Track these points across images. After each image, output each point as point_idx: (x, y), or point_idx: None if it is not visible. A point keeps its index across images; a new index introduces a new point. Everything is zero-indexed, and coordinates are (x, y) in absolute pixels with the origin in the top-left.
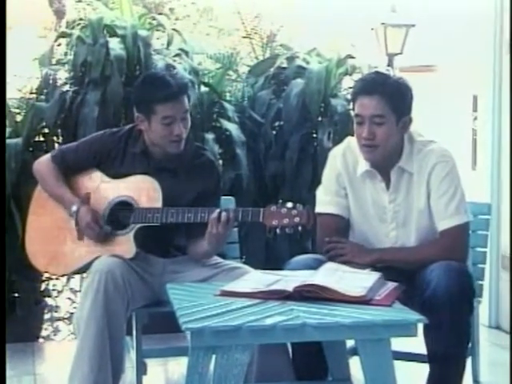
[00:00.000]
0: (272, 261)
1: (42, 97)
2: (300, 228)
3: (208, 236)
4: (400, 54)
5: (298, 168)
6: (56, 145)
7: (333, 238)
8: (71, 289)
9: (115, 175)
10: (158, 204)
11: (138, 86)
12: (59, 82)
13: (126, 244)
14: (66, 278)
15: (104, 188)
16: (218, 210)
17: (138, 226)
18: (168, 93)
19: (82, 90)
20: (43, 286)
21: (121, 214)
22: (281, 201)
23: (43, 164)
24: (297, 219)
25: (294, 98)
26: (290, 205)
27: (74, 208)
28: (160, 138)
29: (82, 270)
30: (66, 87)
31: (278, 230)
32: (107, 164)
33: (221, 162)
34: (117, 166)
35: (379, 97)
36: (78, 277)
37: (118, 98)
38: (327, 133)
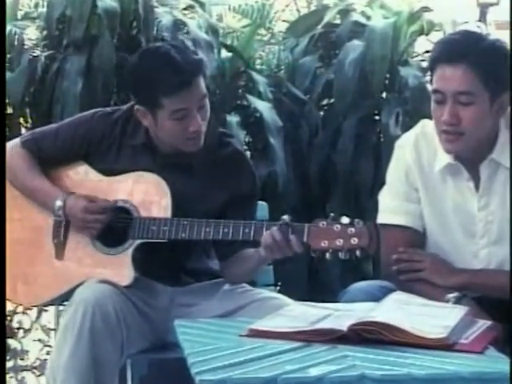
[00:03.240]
0: (318, 289)
1: (6, 60)
2: (358, 252)
3: (256, 259)
4: (496, 4)
5: (354, 163)
6: (23, 130)
7: (408, 249)
8: (43, 326)
9: (108, 171)
10: (167, 213)
11: (133, 66)
12: (27, 44)
13: (121, 266)
14: (36, 310)
15: (92, 188)
16: (276, 227)
17: (139, 242)
18: (177, 81)
19: (59, 54)
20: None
21: (115, 225)
22: (332, 214)
23: (9, 152)
24: (354, 240)
25: (349, 67)
26: (345, 220)
27: (59, 202)
28: (171, 137)
29: (60, 301)
30: (37, 51)
31: (327, 255)
32: (97, 156)
33: (249, 153)
34: (110, 159)
35: (467, 66)
36: (52, 309)
37: (109, 67)
38: (394, 114)
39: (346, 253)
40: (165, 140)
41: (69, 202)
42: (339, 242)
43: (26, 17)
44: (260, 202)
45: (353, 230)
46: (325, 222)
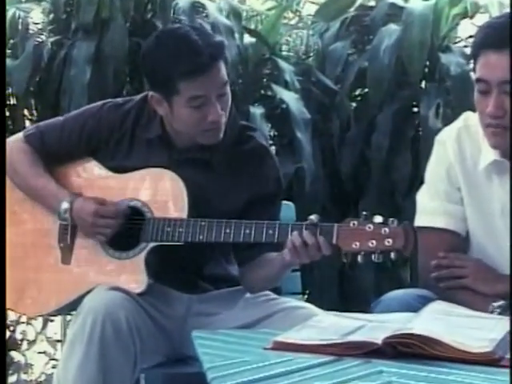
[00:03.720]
0: (349, 298)
1: (8, 51)
2: (393, 255)
3: (281, 264)
4: None
5: (389, 159)
6: (27, 122)
7: (449, 254)
8: (49, 338)
9: (119, 168)
10: (183, 213)
11: (149, 49)
12: (32, 29)
13: (133, 272)
14: (41, 320)
15: (102, 187)
16: (302, 228)
17: (152, 245)
18: (195, 64)
19: (66, 40)
20: (7, 333)
21: (127, 226)
22: (364, 212)
23: (11, 147)
24: (389, 241)
25: (384, 54)
26: (378, 219)
27: (65, 204)
28: (187, 127)
29: (67, 310)
30: (43, 37)
31: (359, 257)
32: (107, 152)
33: (273, 148)
34: (122, 155)
35: None
36: (59, 319)
37: (121, 53)
38: (434, 106)
39: (379, 255)
40: (181, 131)
41: (76, 204)
42: (372, 244)
43: None
44: (286, 203)
45: (387, 230)
46: (356, 222)
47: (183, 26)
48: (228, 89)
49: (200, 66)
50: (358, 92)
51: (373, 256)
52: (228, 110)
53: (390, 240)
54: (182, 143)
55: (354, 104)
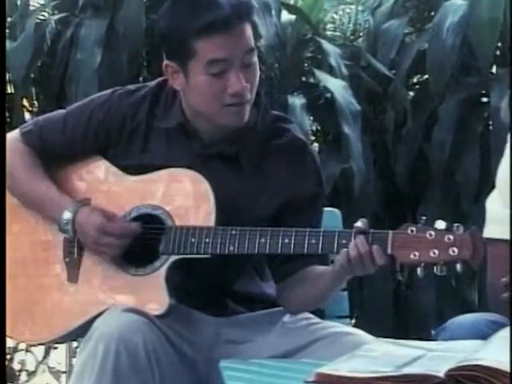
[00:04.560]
0: (406, 323)
1: (6, 31)
2: (459, 267)
3: (327, 280)
4: None
5: (453, 158)
6: (27, 115)
7: None
8: (52, 368)
9: (133, 168)
10: (210, 221)
11: (165, 12)
12: (33, 5)
13: (152, 291)
14: (43, 348)
15: (112, 191)
16: (351, 236)
17: (174, 259)
18: (216, 17)
19: (73, 18)
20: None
21: (143, 236)
22: (424, 217)
23: (8, 147)
24: (454, 251)
25: (447, 34)
26: (441, 225)
27: (68, 214)
28: (205, 101)
29: (73, 336)
30: (46, 14)
31: (418, 270)
32: (118, 149)
33: (316, 146)
34: (136, 152)
35: None
36: (63, 347)
37: (137, 33)
38: (507, 96)
39: (442, 267)
40: (198, 107)
41: (80, 214)
42: (434, 253)
43: None
44: (330, 209)
45: (451, 237)
46: (414, 228)
47: None
48: (255, 60)
49: (220, 21)
50: (416, 79)
51: (435, 268)
52: (255, 84)
53: (455, 249)
54: (205, 132)
55: (411, 93)
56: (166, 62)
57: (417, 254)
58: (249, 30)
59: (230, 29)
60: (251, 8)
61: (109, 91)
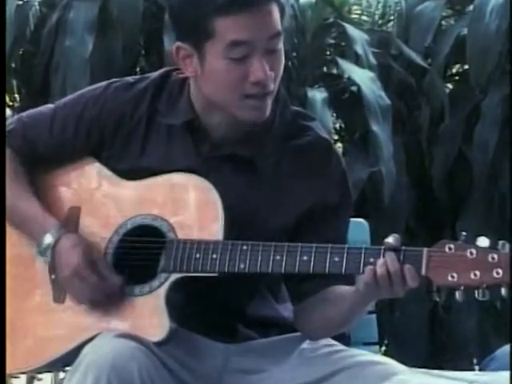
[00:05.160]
0: (444, 350)
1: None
2: (504, 291)
3: (351, 302)
4: None
5: (497, 161)
6: (8, 111)
7: None
8: None
9: (130, 172)
10: (217, 234)
11: None
12: None
13: (150, 313)
14: (24, 378)
15: (108, 197)
16: (380, 253)
17: (176, 277)
18: None
19: (59, 0)
20: None
21: (141, 251)
22: (464, 233)
23: None
24: (498, 272)
25: (490, 18)
26: (483, 242)
27: (49, 238)
28: (223, 89)
29: (61, 365)
30: None
31: (457, 294)
32: (114, 150)
33: (340, 146)
34: (134, 154)
35: None
36: (48, 377)
37: (133, 17)
38: None
39: (484, 291)
40: (213, 97)
41: (61, 244)
42: (475, 275)
43: None
44: (357, 220)
45: (495, 256)
46: (452, 246)
47: None
48: (281, 46)
49: None
50: (454, 69)
51: (476, 292)
52: (279, 77)
53: (500, 270)
54: (216, 130)
55: (449, 86)
56: (177, 43)
57: (455, 275)
58: (276, 12)
59: (256, 7)
60: None
61: (103, 84)
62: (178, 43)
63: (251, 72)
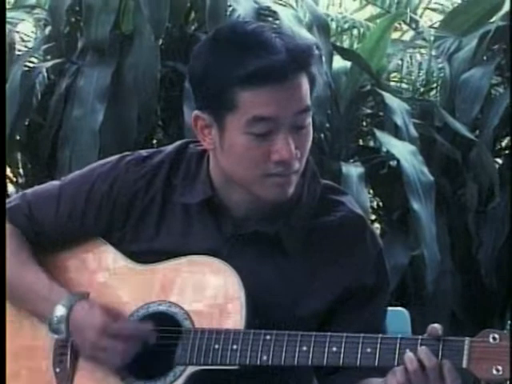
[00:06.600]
0: None
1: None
2: None
3: None
4: None
5: None
6: (10, 187)
7: None
8: None
9: (143, 255)
10: (238, 322)
11: (202, 50)
12: (21, 48)
13: None
14: None
15: (118, 282)
16: (416, 344)
17: (193, 370)
18: (268, 63)
19: (69, 66)
20: None
21: (155, 342)
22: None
23: None
24: None
25: None
26: None
27: (61, 310)
28: (242, 167)
29: None
30: (35, 59)
31: None
32: (126, 230)
33: (377, 227)
34: (147, 236)
35: None
36: None
37: (150, 84)
38: None
39: None
40: (233, 175)
41: (77, 311)
42: None
43: (18, 4)
44: (396, 309)
45: None
46: (497, 336)
47: (254, 21)
48: (309, 121)
49: (273, 70)
50: (504, 143)
51: None
52: (306, 155)
53: None
54: (237, 207)
55: (499, 161)
56: (196, 112)
57: (500, 369)
58: (305, 84)
59: (284, 80)
60: (312, 56)
61: (115, 158)
62: (197, 112)
63: (275, 150)
